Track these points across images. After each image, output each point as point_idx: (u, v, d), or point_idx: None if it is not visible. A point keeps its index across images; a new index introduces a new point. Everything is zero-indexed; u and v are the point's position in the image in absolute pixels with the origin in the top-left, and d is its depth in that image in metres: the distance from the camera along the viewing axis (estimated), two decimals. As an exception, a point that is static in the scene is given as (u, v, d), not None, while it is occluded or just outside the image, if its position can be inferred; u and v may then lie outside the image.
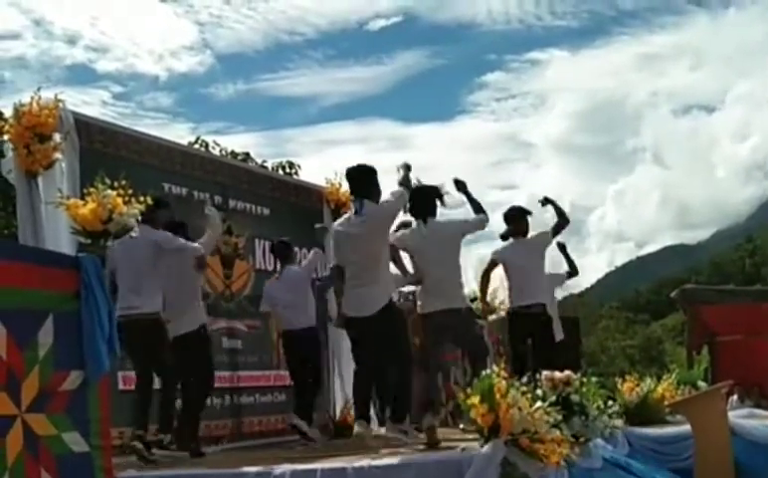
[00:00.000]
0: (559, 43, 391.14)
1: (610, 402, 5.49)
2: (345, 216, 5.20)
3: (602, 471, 4.91)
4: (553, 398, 4.56)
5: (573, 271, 7.39)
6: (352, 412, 6.99)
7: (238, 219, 7.77)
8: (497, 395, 4.06)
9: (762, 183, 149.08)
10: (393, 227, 5.46)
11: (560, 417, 4.37)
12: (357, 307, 4.96)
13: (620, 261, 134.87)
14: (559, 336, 6.83)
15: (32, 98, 5.77)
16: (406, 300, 6.92)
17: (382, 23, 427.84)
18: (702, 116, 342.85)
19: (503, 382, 4.12)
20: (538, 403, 4.19)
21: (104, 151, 6.42)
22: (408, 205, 5.48)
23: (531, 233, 6.72)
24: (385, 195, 5.18)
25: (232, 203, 7.78)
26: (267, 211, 8.19)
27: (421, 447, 4.93)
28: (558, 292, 7.87)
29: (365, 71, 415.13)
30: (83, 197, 5.67)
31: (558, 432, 4.23)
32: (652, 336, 43.35)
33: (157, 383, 5.71)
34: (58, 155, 5.84)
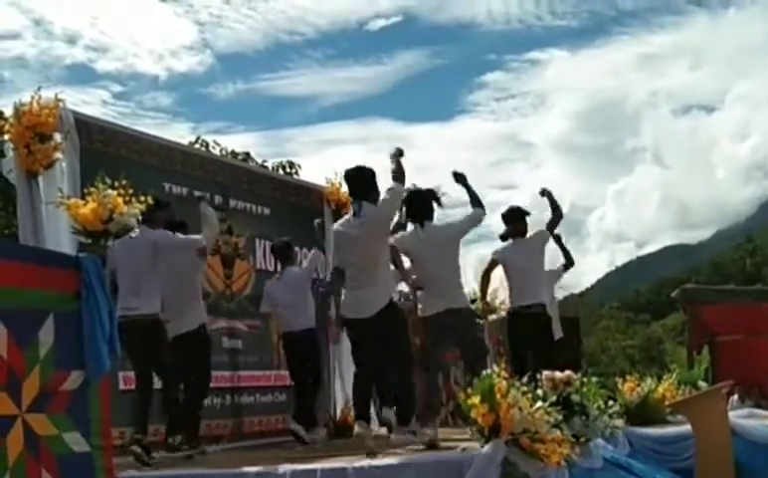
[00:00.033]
0: (559, 43, 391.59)
1: (610, 402, 5.49)
2: (344, 218, 5.20)
3: (602, 471, 4.91)
4: (554, 398, 4.57)
5: (569, 262, 7.37)
6: (352, 413, 7.02)
7: (238, 219, 7.77)
8: (498, 395, 4.06)
9: (762, 183, 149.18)
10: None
11: (561, 417, 4.37)
12: (356, 308, 4.95)
13: (620, 261, 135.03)
14: (558, 334, 6.83)
15: (32, 97, 5.76)
16: (407, 300, 6.91)
17: (382, 23, 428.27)
18: (702, 115, 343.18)
19: (504, 382, 4.12)
20: (539, 403, 4.19)
21: (105, 151, 6.42)
22: (405, 209, 5.51)
23: (530, 233, 6.73)
24: (381, 194, 5.16)
25: (232, 203, 7.77)
26: (267, 211, 8.19)
27: (421, 447, 4.93)
28: (559, 292, 7.87)
29: (365, 71, 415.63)
30: (83, 197, 5.66)
31: (559, 432, 4.23)
32: (652, 336, 43.34)
33: (158, 384, 5.72)
34: (58, 155, 5.83)
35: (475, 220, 5.54)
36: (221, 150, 18.06)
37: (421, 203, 5.46)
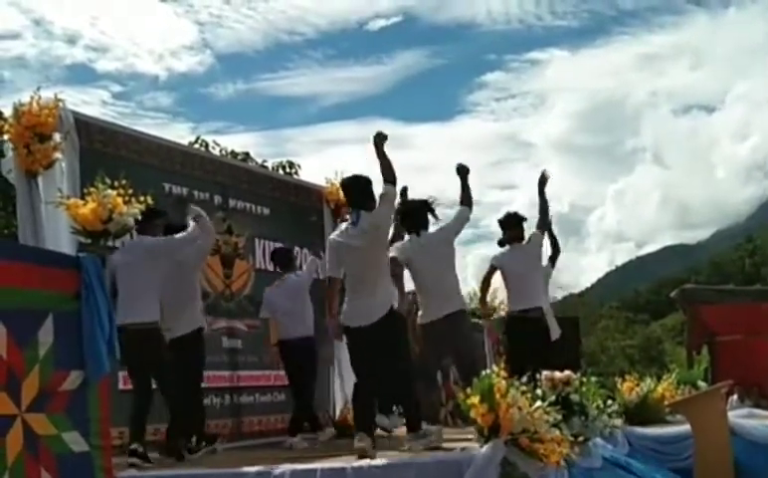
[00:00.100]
0: (559, 43, 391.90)
1: (610, 402, 5.49)
2: (342, 228, 5.19)
3: (602, 471, 4.91)
4: (553, 398, 4.57)
5: (555, 250, 7.33)
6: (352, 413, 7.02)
7: (238, 219, 7.76)
8: (497, 395, 4.06)
9: (762, 183, 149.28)
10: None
11: (560, 417, 4.37)
12: (356, 317, 4.94)
13: (620, 261, 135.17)
14: (555, 334, 6.84)
15: (32, 97, 5.76)
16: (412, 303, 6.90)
17: (382, 23, 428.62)
18: (702, 115, 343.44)
19: (503, 382, 4.12)
20: (538, 403, 4.19)
21: (104, 151, 6.42)
22: (401, 219, 5.60)
23: (527, 241, 6.78)
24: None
25: (232, 203, 7.77)
26: (267, 211, 8.18)
27: (420, 447, 4.93)
28: (558, 292, 7.89)
29: (365, 71, 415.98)
30: (83, 197, 5.66)
31: (558, 432, 4.23)
32: (651, 335, 43.34)
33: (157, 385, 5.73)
34: (58, 155, 5.82)
35: (462, 220, 5.67)
36: (221, 150, 18.07)
37: (416, 214, 5.60)
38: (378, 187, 5.07)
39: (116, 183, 5.61)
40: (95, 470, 3.60)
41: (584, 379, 5.24)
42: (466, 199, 5.73)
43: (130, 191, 5.66)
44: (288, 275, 6.98)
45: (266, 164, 18.14)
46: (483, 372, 4.25)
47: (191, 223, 5.89)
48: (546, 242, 7.07)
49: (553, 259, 7.43)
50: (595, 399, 5.20)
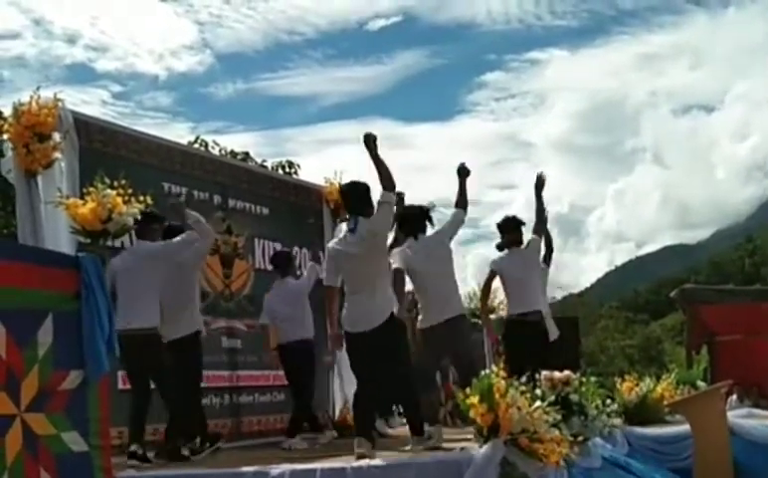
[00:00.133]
0: (559, 42, 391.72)
1: (609, 402, 5.49)
2: (340, 235, 5.19)
3: (601, 470, 4.92)
4: (552, 398, 4.57)
5: (549, 249, 7.28)
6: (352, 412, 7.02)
7: (237, 219, 7.76)
8: (497, 395, 4.06)
9: (762, 183, 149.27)
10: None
11: (559, 417, 4.37)
12: (356, 322, 4.94)
13: (619, 261, 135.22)
14: (554, 335, 6.84)
15: (31, 97, 5.75)
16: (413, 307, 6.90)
17: (382, 23, 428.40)
18: (702, 115, 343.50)
19: (503, 382, 4.12)
20: (537, 403, 4.19)
21: (104, 151, 6.41)
22: (398, 226, 5.62)
23: (526, 245, 6.79)
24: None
25: (231, 203, 7.77)
26: (266, 211, 8.18)
27: (420, 448, 4.93)
28: (558, 292, 7.90)
29: (365, 70, 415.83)
30: (82, 197, 5.66)
31: (557, 432, 4.23)
32: (651, 335, 43.34)
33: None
34: (57, 155, 5.82)
35: (457, 223, 5.73)
36: (220, 150, 18.07)
37: (414, 219, 5.63)
38: (377, 193, 5.08)
39: (116, 183, 5.61)
40: (94, 470, 3.60)
41: (583, 379, 5.24)
42: (461, 202, 5.76)
43: (130, 191, 5.66)
44: (287, 278, 6.99)
45: (265, 164, 18.14)
46: (483, 372, 4.26)
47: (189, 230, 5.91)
48: (542, 243, 7.08)
49: (548, 258, 7.42)
50: (594, 399, 5.20)
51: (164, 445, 5.67)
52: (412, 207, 5.76)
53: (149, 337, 5.56)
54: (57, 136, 5.84)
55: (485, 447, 3.99)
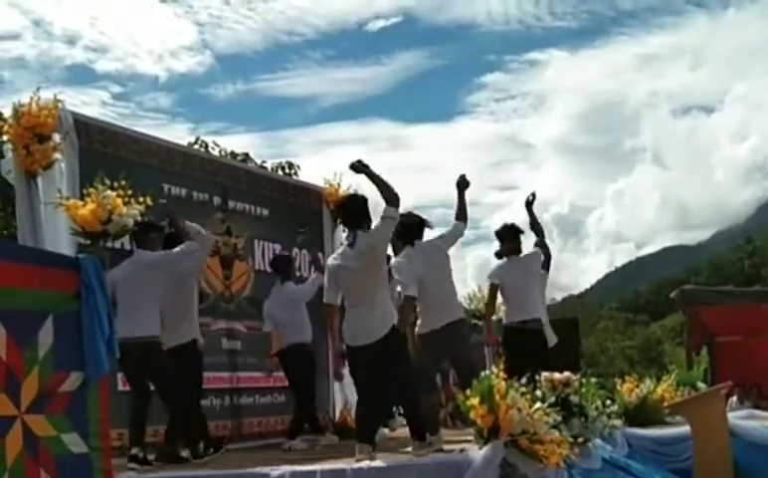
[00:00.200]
0: (558, 43, 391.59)
1: (609, 403, 5.50)
2: (339, 250, 5.19)
3: (601, 472, 4.92)
4: (552, 399, 4.57)
5: (546, 255, 7.22)
6: (352, 414, 7.03)
7: (237, 220, 7.76)
8: (497, 396, 4.06)
9: (762, 184, 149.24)
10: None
11: (560, 418, 4.38)
12: (357, 336, 4.94)
13: (619, 262, 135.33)
14: (552, 342, 6.84)
15: (31, 98, 5.75)
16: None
17: (381, 23, 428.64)
18: (702, 116, 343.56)
19: (503, 383, 4.12)
20: (537, 404, 4.20)
21: (104, 152, 6.41)
22: (396, 236, 5.56)
23: (525, 253, 6.82)
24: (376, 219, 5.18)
25: (231, 204, 7.76)
26: (266, 212, 8.18)
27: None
28: (558, 293, 7.91)
29: (364, 71, 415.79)
30: (82, 198, 5.66)
31: (558, 433, 4.24)
32: (651, 336, 43.31)
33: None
34: (57, 156, 5.82)
35: (456, 235, 5.80)
36: (220, 151, 18.08)
37: (411, 228, 5.64)
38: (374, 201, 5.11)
39: (116, 184, 5.61)
40: (94, 471, 3.59)
41: (584, 381, 5.24)
42: (461, 214, 5.81)
43: (130, 192, 5.66)
44: (287, 283, 7.00)
45: (265, 165, 18.16)
46: (483, 374, 4.26)
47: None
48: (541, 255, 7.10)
49: (546, 265, 7.37)
50: (594, 400, 5.20)
51: (164, 448, 5.67)
52: (410, 216, 5.75)
53: (150, 345, 5.58)
54: (57, 137, 5.84)
55: (486, 448, 3.99)
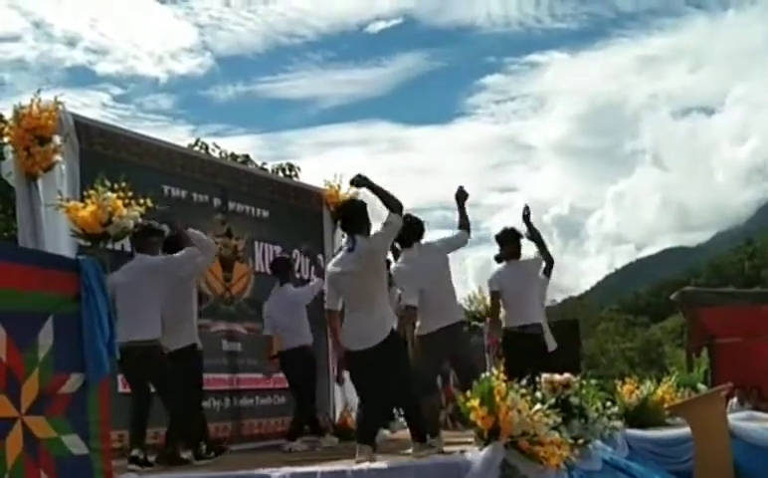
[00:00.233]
0: (558, 45, 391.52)
1: (609, 405, 5.50)
2: (338, 256, 5.19)
3: (602, 473, 4.92)
4: (552, 401, 4.57)
5: (549, 262, 7.22)
6: (353, 415, 7.04)
7: (237, 221, 7.76)
8: (497, 398, 4.06)
9: (762, 186, 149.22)
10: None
11: (560, 420, 4.38)
12: (355, 340, 4.94)
13: (619, 263, 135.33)
14: (552, 347, 6.83)
15: (32, 100, 5.76)
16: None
17: (382, 25, 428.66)
18: (702, 118, 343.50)
19: (503, 385, 4.12)
20: (538, 406, 4.20)
21: (104, 153, 6.42)
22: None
23: (525, 256, 6.82)
24: (378, 225, 5.19)
25: (231, 205, 7.77)
26: (266, 213, 8.18)
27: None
28: (558, 295, 7.91)
29: (365, 73, 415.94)
30: (82, 199, 5.66)
31: (558, 435, 4.24)
32: (651, 338, 43.31)
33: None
34: (57, 158, 5.82)
35: (460, 243, 5.81)
36: (220, 153, 18.09)
37: (411, 228, 5.63)
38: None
39: (116, 186, 5.62)
40: (94, 473, 3.59)
41: (584, 382, 5.25)
42: (464, 224, 5.84)
43: (130, 194, 5.67)
44: (286, 285, 7.00)
45: (265, 167, 18.17)
46: (483, 375, 4.26)
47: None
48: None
49: (548, 271, 7.34)
50: (595, 402, 5.21)
51: (164, 449, 5.68)
52: (408, 217, 5.75)
53: (151, 349, 5.58)
54: (57, 139, 5.85)
55: (486, 450, 3.99)
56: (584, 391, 5.15)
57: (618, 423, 5.61)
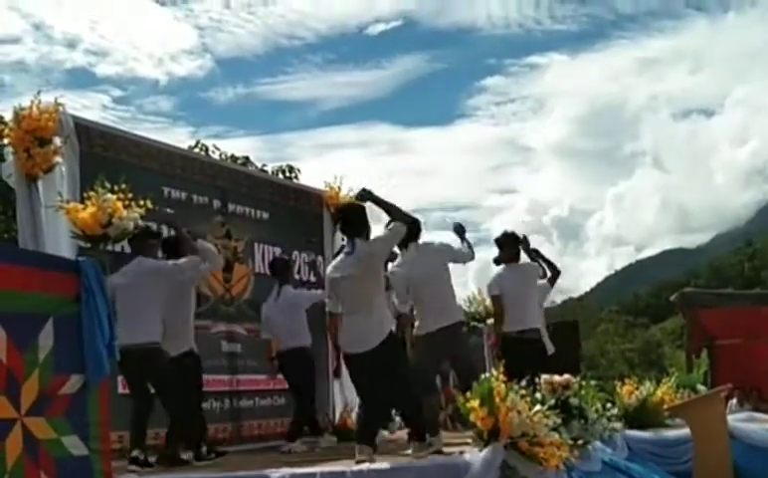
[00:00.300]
0: (558, 47, 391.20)
1: (609, 406, 5.50)
2: (338, 259, 5.20)
3: (601, 474, 4.92)
4: (552, 402, 4.58)
5: (554, 273, 7.25)
6: (352, 416, 7.04)
7: (237, 223, 7.76)
8: (497, 399, 4.07)
9: (761, 187, 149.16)
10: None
11: (559, 421, 4.38)
12: (354, 343, 4.95)
13: (619, 265, 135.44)
14: (550, 351, 6.83)
15: (32, 101, 5.76)
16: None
17: (382, 27, 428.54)
18: (702, 120, 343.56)
19: (503, 386, 4.13)
20: (537, 407, 4.20)
21: (105, 155, 6.42)
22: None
23: (524, 260, 6.84)
24: (378, 228, 5.23)
25: (231, 207, 7.77)
26: (266, 215, 8.19)
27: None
28: (557, 296, 7.90)
29: (365, 75, 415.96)
30: (82, 201, 5.66)
31: (557, 436, 4.24)
32: (651, 339, 43.31)
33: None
34: (58, 159, 5.83)
35: (461, 258, 5.87)
36: (220, 155, 18.08)
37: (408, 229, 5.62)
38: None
39: (116, 187, 5.62)
40: (94, 474, 3.59)
41: (583, 383, 5.25)
42: (469, 248, 5.94)
43: (130, 195, 5.67)
44: (285, 286, 7.00)
45: (265, 168, 18.17)
46: (483, 376, 4.26)
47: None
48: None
49: (552, 280, 7.32)
50: (594, 403, 5.21)
51: (164, 450, 5.68)
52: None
53: (150, 351, 5.58)
54: (57, 141, 5.85)
55: (486, 451, 3.99)
56: (584, 392, 5.15)
57: (617, 424, 5.61)
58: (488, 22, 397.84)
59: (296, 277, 7.99)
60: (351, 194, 7.95)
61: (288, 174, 18.18)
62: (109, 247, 5.77)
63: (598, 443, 5.09)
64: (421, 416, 5.02)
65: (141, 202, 5.75)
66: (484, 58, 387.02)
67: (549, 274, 7.18)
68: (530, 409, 4.14)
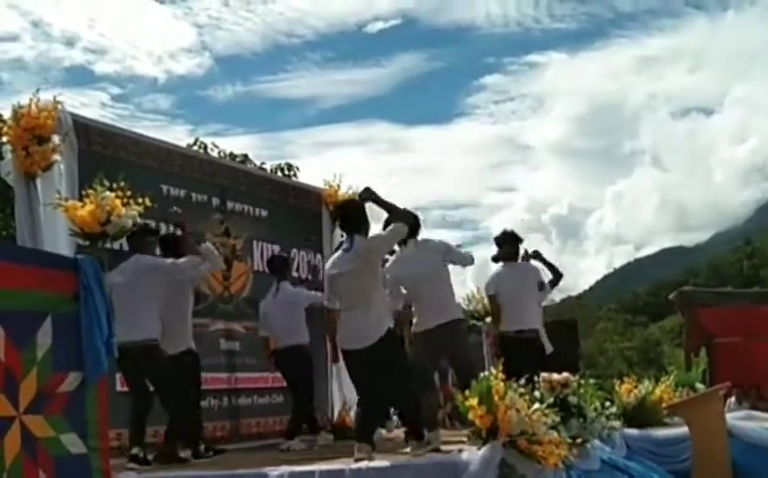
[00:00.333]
0: (557, 45, 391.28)
1: (608, 404, 5.50)
2: (336, 255, 5.20)
3: (600, 473, 4.92)
4: (551, 400, 4.57)
5: (556, 276, 7.20)
6: (351, 414, 7.04)
7: (236, 221, 7.76)
8: (496, 397, 4.06)
9: (761, 186, 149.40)
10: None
11: (558, 419, 4.37)
12: (352, 339, 4.95)
13: (618, 263, 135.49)
14: (548, 350, 6.83)
15: (30, 99, 5.75)
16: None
17: (381, 25, 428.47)
18: (701, 118, 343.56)
19: (501, 384, 4.12)
20: (536, 405, 4.20)
21: (103, 153, 6.42)
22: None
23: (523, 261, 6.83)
24: (377, 226, 5.22)
25: (230, 205, 7.77)
26: (265, 213, 8.19)
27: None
28: (556, 294, 7.90)
29: (364, 73, 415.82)
30: (81, 199, 5.67)
31: (556, 434, 4.24)
32: (650, 338, 43.36)
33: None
34: (56, 157, 5.82)
35: (460, 261, 5.81)
36: (219, 153, 18.10)
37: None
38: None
39: (115, 185, 5.62)
40: (92, 472, 3.60)
41: (582, 382, 5.24)
42: (469, 255, 5.92)
43: (129, 193, 5.67)
44: (283, 283, 7.00)
45: (264, 166, 18.19)
46: (482, 375, 4.26)
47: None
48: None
49: (554, 283, 7.29)
50: (593, 401, 5.20)
51: (163, 448, 5.69)
52: None
53: (149, 348, 5.58)
54: (56, 139, 5.85)
55: (484, 449, 3.99)
56: (582, 391, 5.14)
57: (616, 423, 5.61)
58: (488, 20, 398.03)
59: (295, 275, 7.98)
60: (350, 192, 7.97)
61: (286, 172, 18.20)
62: (108, 245, 5.77)
63: (597, 442, 5.08)
64: (419, 415, 5.02)
65: (140, 200, 5.75)
66: (484, 56, 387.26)
67: (552, 276, 7.17)
68: (529, 408, 4.13)
